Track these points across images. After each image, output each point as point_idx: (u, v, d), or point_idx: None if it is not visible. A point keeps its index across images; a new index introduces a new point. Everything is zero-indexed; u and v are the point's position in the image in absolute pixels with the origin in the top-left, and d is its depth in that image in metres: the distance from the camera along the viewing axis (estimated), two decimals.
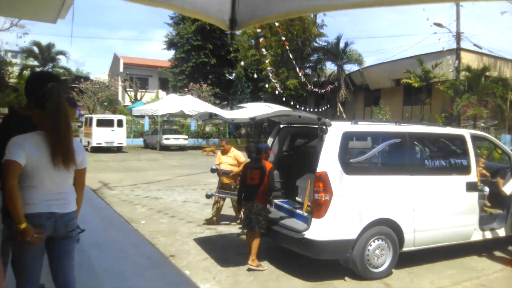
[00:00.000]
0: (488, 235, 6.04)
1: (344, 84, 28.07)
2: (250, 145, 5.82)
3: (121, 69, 37.71)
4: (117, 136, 22.32)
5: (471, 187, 5.75)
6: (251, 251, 5.24)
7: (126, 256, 5.47)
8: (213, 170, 7.23)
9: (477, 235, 5.89)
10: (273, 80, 24.22)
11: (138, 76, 36.96)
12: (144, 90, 34.85)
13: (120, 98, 37.95)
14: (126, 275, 4.85)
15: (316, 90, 26.70)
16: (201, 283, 4.79)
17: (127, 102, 35.79)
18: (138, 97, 34.10)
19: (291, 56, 22.20)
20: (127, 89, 35.37)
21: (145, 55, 73.33)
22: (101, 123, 21.92)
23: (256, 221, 5.21)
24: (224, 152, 7.49)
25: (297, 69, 23.33)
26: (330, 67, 31.20)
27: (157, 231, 6.91)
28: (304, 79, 24.71)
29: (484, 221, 6.08)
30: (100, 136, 21.65)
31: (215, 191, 7.09)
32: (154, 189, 10.86)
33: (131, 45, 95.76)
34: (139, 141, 26.26)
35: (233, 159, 7.29)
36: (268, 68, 23.93)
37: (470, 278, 5.25)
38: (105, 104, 31.82)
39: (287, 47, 21.80)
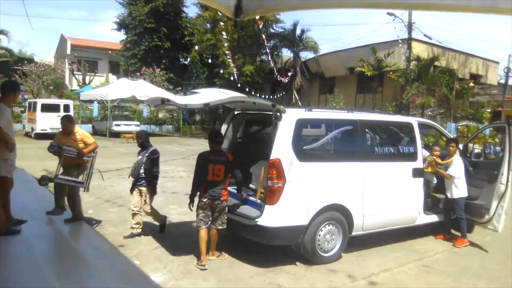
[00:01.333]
0: (432, 218, 6.34)
1: (300, 71, 28.34)
2: (214, 130, 5.50)
3: (68, 51, 35.79)
4: None
5: (417, 173, 5.99)
6: (210, 247, 5.11)
7: (71, 247, 5.24)
8: (53, 147, 5.66)
9: (421, 219, 6.17)
10: (231, 65, 23.95)
11: (87, 59, 35.21)
12: (93, 74, 33.30)
13: (67, 82, 36.08)
14: (72, 266, 4.64)
15: (274, 76, 26.68)
16: (152, 272, 4.68)
17: (75, 86, 34.06)
18: (87, 81, 32.56)
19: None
20: (75, 73, 33.66)
21: (95, 37, 70.31)
22: (46, 108, 20.74)
23: (219, 218, 5.04)
24: (66, 132, 6.01)
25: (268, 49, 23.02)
26: (286, 54, 31.37)
27: (106, 220, 6.67)
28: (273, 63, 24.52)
29: (429, 206, 6.39)
30: (44, 122, 20.50)
31: (54, 175, 5.83)
32: (104, 177, 10.45)
33: (79, 26, 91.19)
34: (88, 127, 25.16)
35: (79, 141, 5.95)
36: (226, 52, 23.61)
37: (414, 260, 5.51)
38: (50, 88, 30.12)
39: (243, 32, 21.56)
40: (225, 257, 5.19)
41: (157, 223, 6.23)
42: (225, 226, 5.10)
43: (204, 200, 4.96)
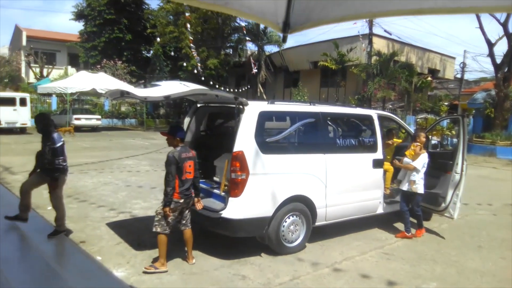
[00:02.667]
0: (392, 208, 6.55)
1: (265, 65, 28.41)
2: (176, 125, 5.07)
3: (24, 43, 34.19)
4: (20, 116, 20.33)
5: (377, 163, 6.16)
6: (189, 250, 4.86)
7: (29, 244, 5.06)
8: None
9: (382, 208, 6.36)
10: (195, 56, 23.63)
11: (44, 50, 33.81)
12: (51, 66, 32.02)
13: (23, 75, 34.48)
14: (30, 263, 4.48)
15: (238, 69, 26.56)
16: (114, 268, 4.59)
17: (32, 79, 32.66)
18: (44, 74, 31.28)
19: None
20: (32, 65, 32.25)
21: (53, 28, 67.47)
22: (2, 101, 19.74)
23: (188, 217, 4.81)
24: None
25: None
26: (250, 47, 31.33)
27: (66, 216, 6.45)
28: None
29: (388, 195, 6.60)
30: (0, 116, 19.58)
31: None
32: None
33: (35, 16, 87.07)
34: None
35: None
36: (190, 45, 23.27)
37: (375, 247, 5.68)
38: (5, 81, 28.76)
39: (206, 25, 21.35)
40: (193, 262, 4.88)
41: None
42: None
43: (181, 201, 4.61)
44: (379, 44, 23.45)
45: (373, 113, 6.56)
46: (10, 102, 20.02)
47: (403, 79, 21.31)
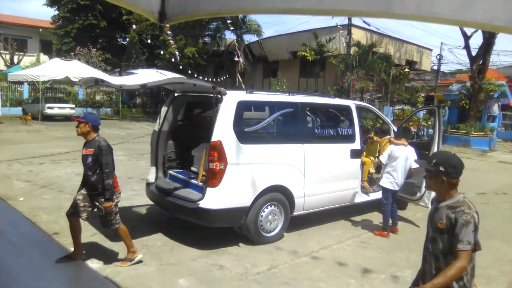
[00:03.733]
0: (368, 197, 6.62)
1: (243, 54, 28.20)
2: (91, 116, 4.56)
3: None
4: None
5: (355, 154, 6.21)
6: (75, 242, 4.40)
7: (2, 236, 4.89)
8: None
9: (359, 198, 6.42)
10: (172, 44, 23.21)
11: (15, 36, 32.53)
12: (22, 53, 30.92)
13: None
14: (3, 255, 4.36)
15: (216, 58, 26.25)
16: (89, 259, 4.48)
17: (2, 66, 31.47)
18: (15, 61, 30.18)
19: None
20: (1, 52, 31.07)
21: (24, 14, 65.09)
22: None
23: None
24: None
25: None
26: (229, 36, 31.03)
27: (39, 207, 6.28)
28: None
29: (365, 187, 6.68)
30: None
31: None
32: (36, 163, 9.83)
33: (6, 1, 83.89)
34: (18, 110, 23.43)
35: None
36: (168, 32, 22.82)
37: (352, 236, 5.75)
38: None
39: None
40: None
41: None
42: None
43: (120, 193, 4.47)
44: (358, 35, 23.59)
45: (352, 104, 6.58)
46: None
47: (381, 70, 21.55)
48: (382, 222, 5.95)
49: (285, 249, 5.11)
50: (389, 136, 6.27)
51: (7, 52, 30.46)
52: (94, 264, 4.39)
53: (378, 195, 6.56)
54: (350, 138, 6.28)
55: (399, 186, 5.87)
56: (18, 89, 25.77)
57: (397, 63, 25.35)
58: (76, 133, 4.38)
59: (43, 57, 32.22)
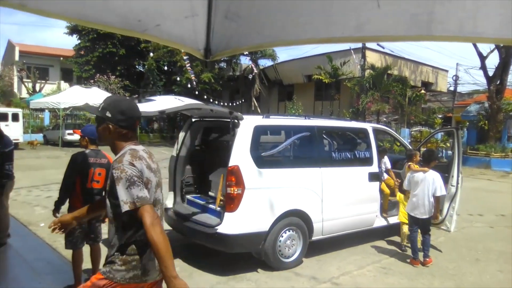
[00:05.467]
0: (388, 221, 6.51)
1: (259, 79, 28.55)
2: (88, 129, 4.34)
3: (16, 58, 34.05)
4: (12, 131, 19.98)
5: (373, 177, 6.14)
6: (96, 267, 4.31)
7: (23, 261, 4.96)
8: None
9: (378, 222, 6.32)
10: (188, 70, 23.69)
11: (37, 65, 33.72)
12: (44, 81, 31.94)
13: (16, 90, 34.32)
14: (23, 280, 4.39)
15: (232, 83, 26.69)
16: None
17: (24, 94, 32.52)
18: (37, 89, 31.18)
19: None
20: (24, 80, 32.16)
21: (45, 43, 67.51)
22: None
23: (99, 231, 4.28)
24: None
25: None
26: (244, 61, 31.51)
27: (59, 233, 6.33)
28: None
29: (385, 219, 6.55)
30: None
31: None
32: (55, 189, 9.95)
33: (28, 31, 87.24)
34: (39, 137, 24.04)
35: None
36: (184, 58, 23.34)
37: (372, 262, 5.62)
38: None
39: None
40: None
41: None
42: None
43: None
44: (372, 58, 23.70)
45: (368, 127, 6.56)
46: (2, 117, 19.86)
47: (397, 93, 21.49)
48: (411, 250, 5.73)
49: (304, 275, 5.02)
50: (410, 163, 6.19)
51: (29, 80, 31.52)
52: None
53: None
54: (367, 161, 6.23)
55: (424, 214, 5.54)
56: (40, 116, 26.52)
57: (412, 84, 25.28)
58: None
59: (64, 85, 33.18)
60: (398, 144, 7.52)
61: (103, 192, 4.00)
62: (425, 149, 6.69)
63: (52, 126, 24.79)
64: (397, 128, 21.10)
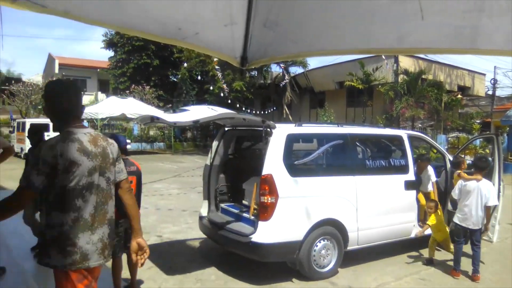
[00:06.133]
0: (426, 231, 6.30)
1: (290, 86, 28.53)
2: (118, 137, 4.33)
3: (56, 70, 35.64)
4: None
5: (409, 185, 6.00)
6: (133, 277, 4.41)
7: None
8: None
9: (416, 231, 6.14)
10: (220, 79, 24.03)
11: (76, 77, 35.10)
12: (82, 93, 33.20)
13: None
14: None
15: (263, 91, 26.81)
16: None
17: None
18: None
19: None
20: None
21: (83, 56, 70.24)
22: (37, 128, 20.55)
23: (128, 240, 4.14)
24: None
25: None
26: (275, 69, 31.60)
27: None
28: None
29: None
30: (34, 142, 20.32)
31: None
32: None
33: (67, 44, 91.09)
34: None
35: None
36: (216, 67, 23.72)
37: (410, 273, 5.47)
38: (39, 107, 29.92)
39: None
40: None
41: None
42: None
43: (121, 221, 4.02)
44: (405, 63, 23.20)
45: (403, 134, 6.43)
46: (44, 128, 20.67)
47: (432, 98, 20.92)
48: (453, 261, 5.54)
49: (340, 285, 4.96)
50: (459, 171, 5.98)
51: None
52: None
53: None
54: (403, 169, 6.09)
55: (476, 224, 5.31)
56: None
57: (448, 89, 24.53)
58: None
59: (101, 96, 34.40)
60: (435, 151, 7.29)
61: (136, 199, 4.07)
62: (477, 155, 6.39)
63: None
64: (433, 135, 20.49)
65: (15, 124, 22.28)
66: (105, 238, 2.34)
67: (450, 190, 6.39)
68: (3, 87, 29.17)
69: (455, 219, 5.50)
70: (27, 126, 20.33)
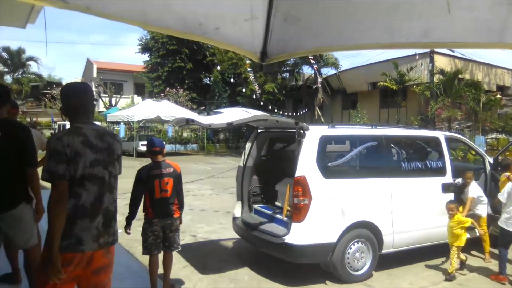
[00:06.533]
0: (466, 235, 6.11)
1: (322, 88, 28.32)
2: (153, 139, 4.59)
3: (94, 75, 36.99)
4: None
5: (446, 188, 5.85)
6: (166, 275, 4.51)
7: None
8: None
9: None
10: (252, 80, 24.20)
11: (113, 81, 36.34)
12: (119, 96, 34.27)
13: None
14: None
15: (294, 92, 26.76)
16: None
17: (102, 108, 35.11)
18: (113, 103, 33.50)
19: None
20: (101, 95, 34.71)
21: (119, 60, 72.47)
22: None
23: (174, 240, 4.43)
24: None
25: None
26: (307, 71, 31.46)
27: (135, 239, 6.71)
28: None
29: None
30: None
31: None
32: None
33: (104, 49, 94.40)
34: None
35: None
36: (248, 69, 23.91)
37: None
38: None
39: None
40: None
41: None
42: (180, 248, 4.58)
43: (154, 220, 4.33)
44: (441, 62, 22.54)
45: (440, 135, 6.28)
46: None
47: (470, 98, 20.22)
48: (499, 266, 5.32)
49: None
50: (509, 173, 5.79)
51: (106, 95, 33.93)
52: None
53: (476, 232, 6.06)
54: (440, 172, 5.95)
55: None
56: (116, 128, 28.40)
57: (486, 89, 23.61)
58: None
59: (137, 99, 35.38)
60: (473, 153, 7.05)
61: (172, 200, 4.31)
62: None
63: (127, 138, 26.43)
64: (471, 136, 19.78)
65: (56, 126, 23.29)
66: (100, 227, 2.49)
67: (490, 193, 6.19)
68: (45, 91, 30.53)
69: (502, 224, 5.28)
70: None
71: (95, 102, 2.82)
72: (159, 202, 4.28)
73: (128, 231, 4.28)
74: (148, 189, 4.28)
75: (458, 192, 6.16)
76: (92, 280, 2.53)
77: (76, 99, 2.56)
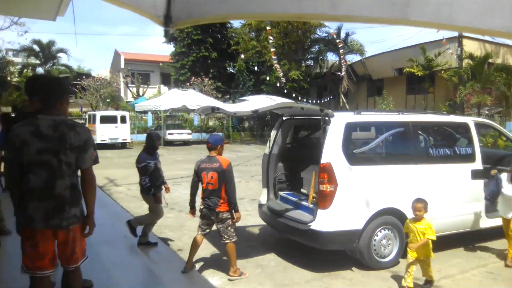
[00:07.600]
0: (495, 222, 6.00)
1: (347, 74, 27.91)
2: (210, 136, 5.07)
3: (122, 65, 37.64)
4: (121, 132, 22.37)
5: (476, 174, 5.73)
6: (230, 263, 4.79)
7: (134, 251, 5.50)
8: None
9: (483, 223, 5.88)
10: (277, 69, 24.07)
11: (140, 71, 36.89)
12: (146, 86, 34.84)
13: (122, 94, 37.98)
14: (136, 269, 4.89)
15: (319, 80, 26.48)
16: (210, 276, 4.84)
17: (130, 98, 35.87)
18: (140, 93, 34.09)
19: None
20: (129, 85, 35.40)
21: (146, 51, 73.51)
22: (105, 119, 22.00)
23: (223, 231, 4.73)
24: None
25: None
26: (331, 58, 31.04)
27: (164, 225, 6.94)
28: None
29: (491, 209, 6.01)
30: (104, 132, 21.74)
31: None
32: None
33: (131, 40, 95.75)
34: (143, 137, 26.18)
35: None
36: (273, 57, 23.79)
37: (477, 266, 5.26)
38: (107, 100, 31.88)
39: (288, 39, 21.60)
40: (245, 275, 4.81)
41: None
42: (235, 240, 4.79)
43: (202, 208, 4.78)
44: (470, 47, 21.75)
45: (469, 120, 6.13)
46: (112, 120, 22.15)
47: (500, 83, 19.50)
48: None
49: (401, 276, 4.88)
50: None
51: (134, 85, 34.54)
52: (215, 281, 4.72)
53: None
54: (469, 158, 5.83)
55: None
56: (144, 118, 28.95)
57: None
58: None
59: (163, 88, 35.87)
60: (504, 139, 6.85)
61: (218, 193, 4.65)
62: None
63: (155, 127, 26.89)
64: (501, 122, 19.12)
65: (86, 117, 23.92)
66: (50, 210, 2.74)
67: None
68: (75, 82, 31.34)
69: None
70: (98, 118, 21.76)
71: (70, 95, 3.34)
72: (206, 193, 4.71)
73: (191, 215, 4.94)
74: (199, 180, 4.77)
75: (494, 186, 5.64)
76: (62, 248, 2.88)
77: (40, 92, 2.91)
